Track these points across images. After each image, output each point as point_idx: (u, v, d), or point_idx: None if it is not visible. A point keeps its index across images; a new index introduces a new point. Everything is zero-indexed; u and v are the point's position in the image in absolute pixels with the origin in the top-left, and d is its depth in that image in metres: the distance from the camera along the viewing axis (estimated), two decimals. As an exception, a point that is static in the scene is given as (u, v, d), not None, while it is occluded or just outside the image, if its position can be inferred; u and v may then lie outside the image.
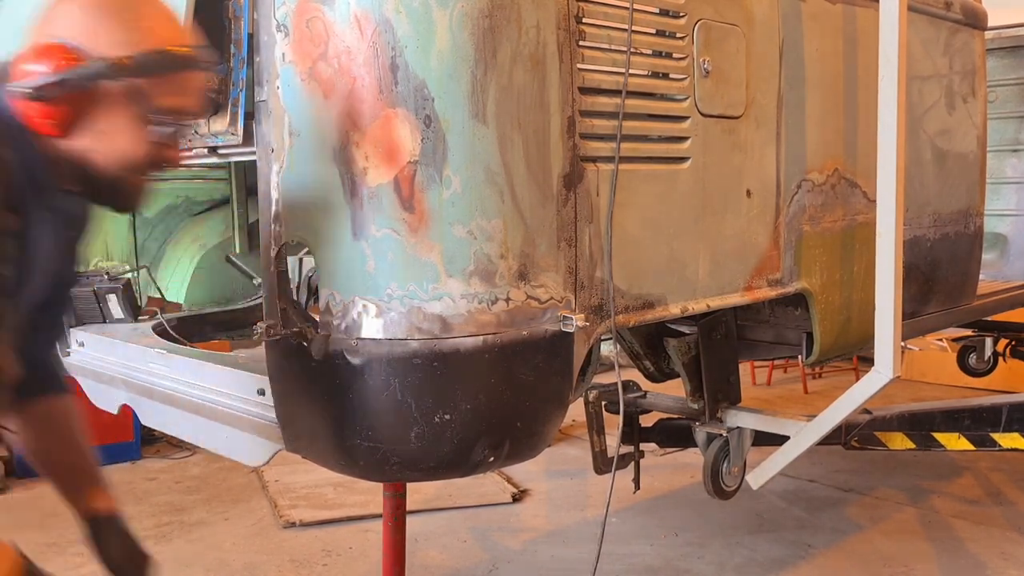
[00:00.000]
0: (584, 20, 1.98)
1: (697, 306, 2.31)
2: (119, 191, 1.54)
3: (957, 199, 3.44)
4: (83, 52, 1.42)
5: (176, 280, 3.41)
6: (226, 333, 3.32)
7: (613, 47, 2.05)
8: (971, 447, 3.85)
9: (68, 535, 3.97)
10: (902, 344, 2.59)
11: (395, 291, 1.79)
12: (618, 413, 2.37)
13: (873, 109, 2.46)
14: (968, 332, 5.17)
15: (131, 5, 1.47)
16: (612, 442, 2.89)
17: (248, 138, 1.95)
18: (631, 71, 2.07)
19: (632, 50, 2.06)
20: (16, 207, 1.41)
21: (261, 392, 2.13)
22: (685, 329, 3.05)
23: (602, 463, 3.40)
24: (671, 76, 2.22)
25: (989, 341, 5.10)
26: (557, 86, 1.91)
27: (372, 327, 1.81)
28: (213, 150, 2.03)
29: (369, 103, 1.77)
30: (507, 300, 1.86)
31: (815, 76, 2.64)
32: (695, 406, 3.06)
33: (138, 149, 1.49)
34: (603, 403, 3.38)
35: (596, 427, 3.39)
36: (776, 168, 2.53)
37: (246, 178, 3.40)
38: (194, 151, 2.07)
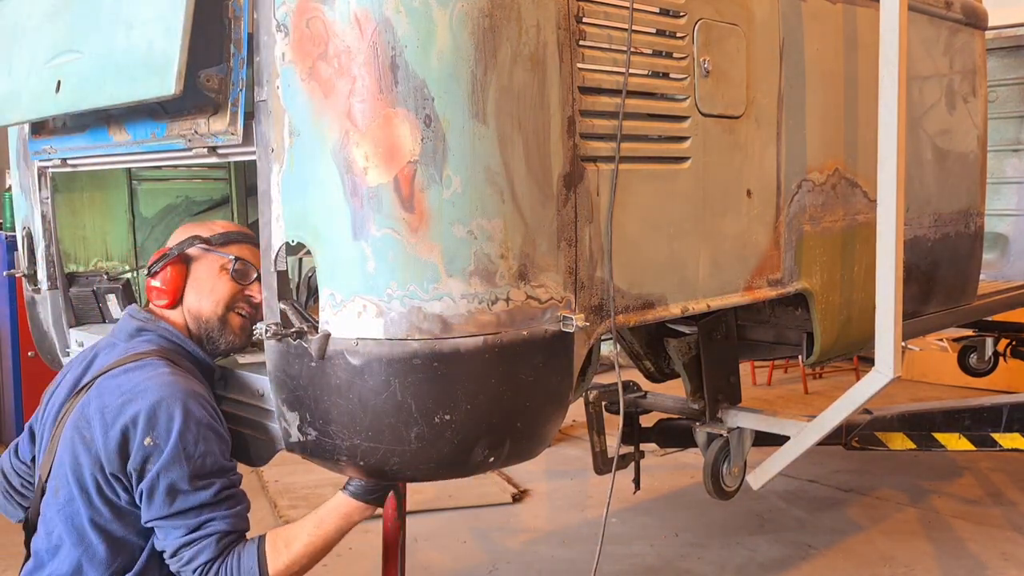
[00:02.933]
0: (584, 20, 1.98)
1: (697, 306, 2.31)
2: (225, 328, 2.19)
3: (957, 199, 3.43)
4: (177, 243, 2.21)
5: (176, 280, 3.39)
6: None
7: (613, 47, 2.04)
8: (971, 447, 3.85)
9: None
10: (903, 344, 2.59)
11: (395, 291, 1.79)
12: (618, 413, 2.37)
13: (873, 109, 2.46)
14: (969, 332, 5.17)
15: (200, 221, 2.46)
16: (612, 442, 2.89)
17: (248, 138, 1.94)
18: (631, 71, 2.07)
19: (632, 50, 2.06)
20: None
21: (261, 392, 2.13)
22: (685, 329, 3.05)
23: (602, 463, 3.41)
24: (671, 76, 2.22)
25: (990, 341, 5.10)
26: (557, 86, 1.91)
27: (372, 327, 1.81)
28: (213, 150, 2.02)
29: (369, 103, 1.76)
30: (507, 300, 1.86)
31: (815, 76, 2.64)
32: (695, 406, 3.06)
33: (225, 290, 2.19)
34: (603, 403, 3.38)
35: (596, 427, 3.39)
36: (776, 168, 2.53)
37: (246, 178, 3.40)
38: (194, 151, 2.07)
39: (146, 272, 2.20)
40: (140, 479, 1.93)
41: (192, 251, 2.20)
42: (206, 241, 2.20)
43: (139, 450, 1.91)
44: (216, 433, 1.98)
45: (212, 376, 2.23)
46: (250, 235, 2.27)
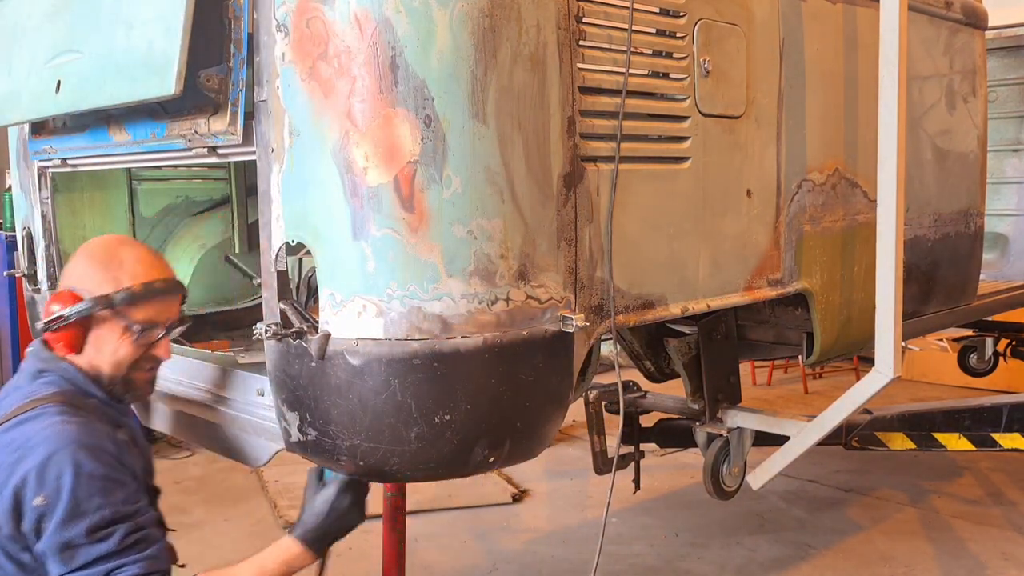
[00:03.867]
0: (584, 20, 1.98)
1: (697, 306, 2.31)
2: (130, 386, 2.08)
3: (957, 199, 3.43)
4: (81, 293, 2.00)
5: (176, 280, 3.40)
6: (226, 333, 3.32)
7: (613, 47, 2.04)
8: (971, 447, 3.85)
9: None
10: (903, 344, 2.59)
11: (395, 291, 1.79)
12: (618, 413, 2.37)
13: (873, 109, 2.46)
14: (969, 332, 5.17)
15: (114, 253, 2.06)
16: (612, 442, 2.89)
17: (248, 138, 1.94)
18: (631, 71, 2.07)
19: (632, 50, 2.06)
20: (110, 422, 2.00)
21: (261, 392, 2.13)
22: (685, 329, 3.04)
23: (602, 463, 3.41)
24: (671, 76, 2.22)
25: (990, 341, 5.11)
26: (557, 86, 1.91)
27: (372, 327, 1.81)
28: (213, 150, 2.03)
29: (369, 103, 1.77)
30: (507, 300, 1.86)
31: (815, 76, 2.64)
32: (695, 406, 3.06)
33: (128, 353, 2.04)
34: (603, 403, 3.38)
35: (596, 427, 3.39)
36: (776, 168, 2.53)
37: (246, 178, 3.40)
38: (194, 151, 2.07)
39: (41, 326, 2.02)
40: (37, 538, 1.84)
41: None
42: (109, 302, 1.99)
43: (31, 511, 1.82)
44: (114, 481, 1.88)
45: (125, 410, 2.15)
46: (164, 285, 2.07)
